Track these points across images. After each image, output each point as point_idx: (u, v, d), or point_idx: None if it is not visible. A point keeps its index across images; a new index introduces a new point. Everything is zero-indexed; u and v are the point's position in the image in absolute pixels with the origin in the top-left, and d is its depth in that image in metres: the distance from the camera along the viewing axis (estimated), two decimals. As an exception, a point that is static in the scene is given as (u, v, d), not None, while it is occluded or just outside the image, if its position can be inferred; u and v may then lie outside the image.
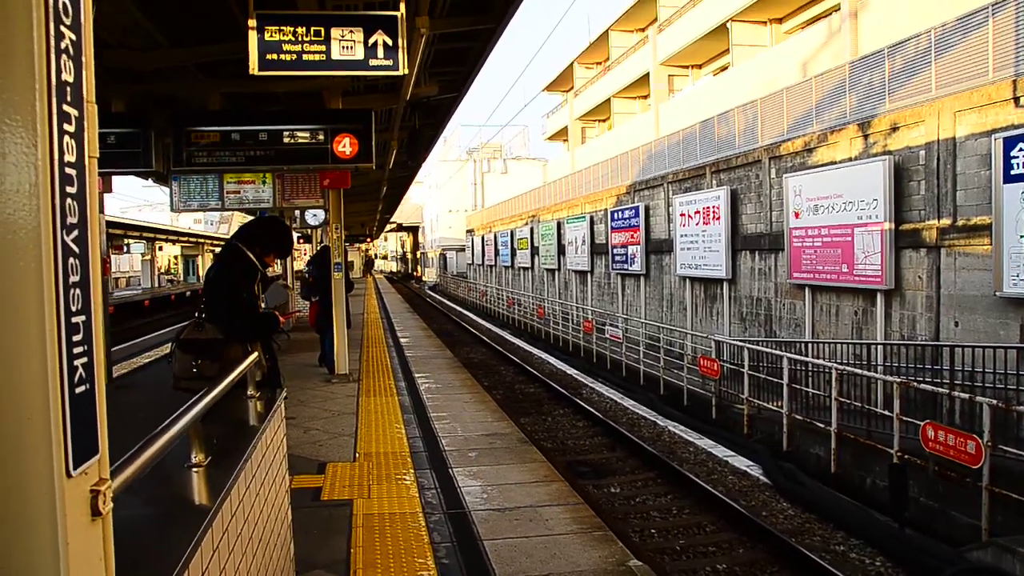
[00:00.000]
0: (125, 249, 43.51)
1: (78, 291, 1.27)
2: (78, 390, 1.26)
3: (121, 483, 1.70)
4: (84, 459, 1.28)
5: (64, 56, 1.23)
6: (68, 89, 1.24)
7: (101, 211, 11.30)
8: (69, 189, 1.24)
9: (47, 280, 1.18)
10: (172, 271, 64.47)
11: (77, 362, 1.26)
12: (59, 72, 1.21)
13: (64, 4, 1.23)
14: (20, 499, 1.21)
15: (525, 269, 38.78)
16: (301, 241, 30.27)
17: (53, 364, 1.20)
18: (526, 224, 38.75)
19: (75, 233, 1.26)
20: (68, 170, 1.23)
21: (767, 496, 9.38)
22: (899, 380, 9.60)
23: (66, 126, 1.23)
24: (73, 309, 1.25)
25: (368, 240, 68.99)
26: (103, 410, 1.35)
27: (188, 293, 42.43)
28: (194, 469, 2.71)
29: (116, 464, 1.70)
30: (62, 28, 1.22)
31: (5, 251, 1.16)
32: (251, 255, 5.05)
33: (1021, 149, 10.24)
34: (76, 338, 1.26)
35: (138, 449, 1.94)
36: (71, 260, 1.24)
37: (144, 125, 9.60)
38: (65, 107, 1.23)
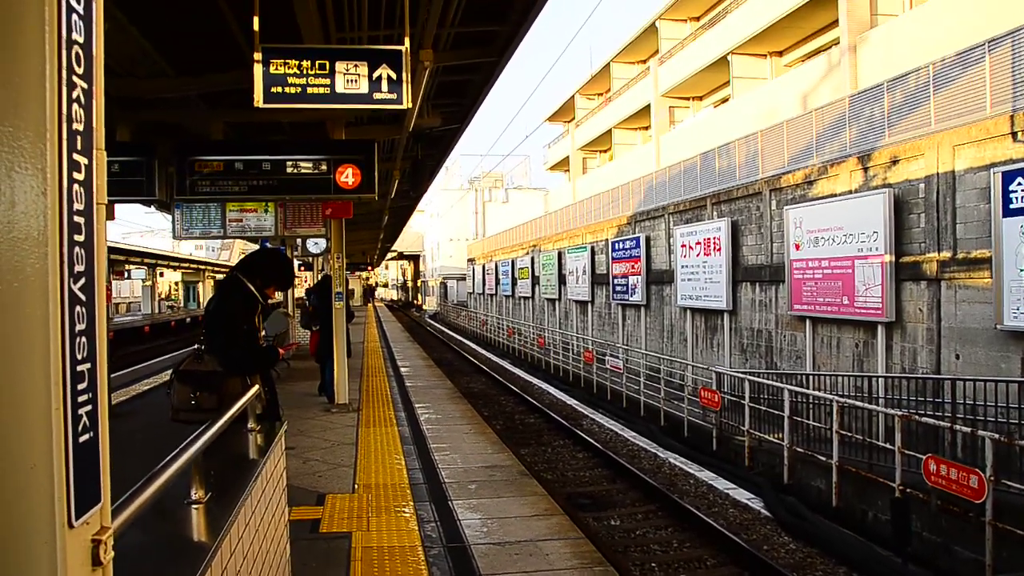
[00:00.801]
0: (126, 275, 43.57)
1: (84, 339, 1.27)
2: (82, 439, 1.26)
3: (121, 523, 1.70)
4: (86, 508, 1.27)
5: (75, 105, 1.24)
6: (79, 138, 1.26)
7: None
8: (77, 237, 1.24)
9: (53, 328, 1.18)
10: (172, 297, 64.49)
11: (81, 410, 1.26)
12: (70, 121, 1.22)
13: (77, 54, 1.24)
14: (21, 549, 1.20)
15: (526, 298, 38.78)
16: (302, 269, 30.29)
17: (58, 412, 1.20)
18: (527, 254, 38.81)
19: (82, 281, 1.26)
20: (76, 218, 1.24)
21: (769, 530, 9.30)
22: (900, 413, 9.56)
23: (75, 174, 1.24)
24: (79, 357, 1.25)
25: (369, 268, 69.06)
26: (106, 458, 1.34)
27: (188, 319, 42.41)
28: (194, 506, 2.69)
29: (116, 504, 1.69)
30: (74, 78, 1.23)
31: (13, 298, 1.16)
32: (252, 287, 5.05)
33: (1020, 183, 10.29)
34: (81, 386, 1.26)
35: (138, 488, 1.93)
36: (78, 308, 1.24)
37: (148, 154, 9.64)
38: (75, 156, 1.24)
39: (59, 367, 1.19)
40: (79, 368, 1.25)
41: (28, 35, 1.17)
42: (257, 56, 6.66)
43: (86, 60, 1.27)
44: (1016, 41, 11.17)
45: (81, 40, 1.26)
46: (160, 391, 10.73)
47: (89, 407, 1.29)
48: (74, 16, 1.23)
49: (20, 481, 1.18)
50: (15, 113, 1.16)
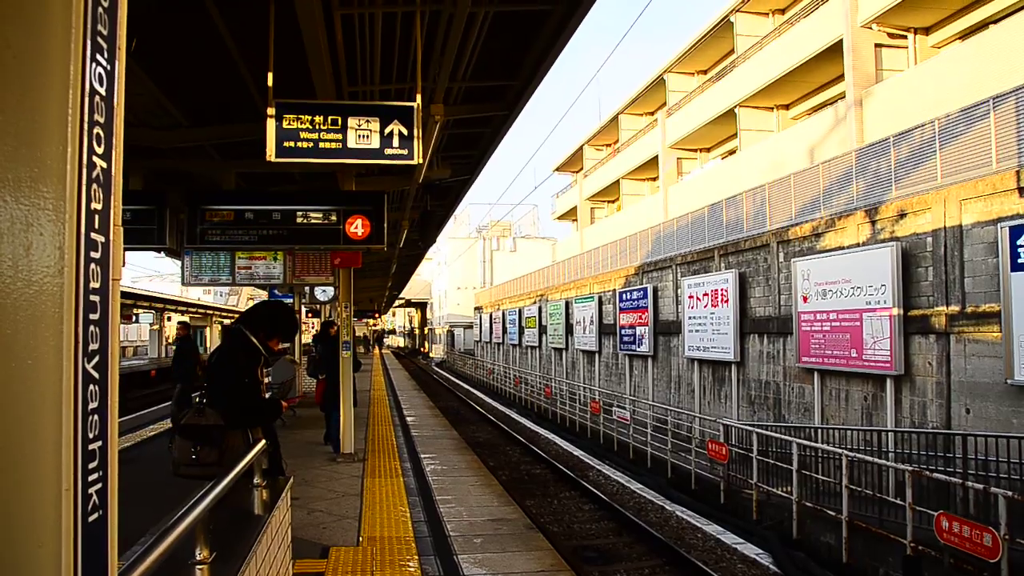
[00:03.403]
0: (134, 319, 43.64)
1: (96, 417, 1.27)
2: (91, 518, 1.26)
3: (125, 591, 1.69)
4: None
5: (95, 185, 1.27)
6: (96, 217, 1.28)
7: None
8: (92, 316, 1.26)
9: (66, 407, 1.19)
10: (180, 342, 64.40)
11: (92, 489, 1.26)
12: (89, 201, 1.25)
13: (98, 135, 1.27)
14: (26, 629, 1.19)
15: (533, 348, 38.70)
16: (309, 316, 30.35)
17: (68, 493, 1.20)
18: (534, 303, 38.83)
19: (96, 359, 1.27)
20: (92, 297, 1.26)
21: (777, 587, 9.16)
22: (911, 468, 9.46)
23: (92, 253, 1.26)
24: (90, 436, 1.25)
25: (376, 315, 69.12)
26: (115, 536, 1.34)
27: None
28: (198, 566, 2.67)
29: (121, 570, 1.68)
30: (95, 159, 1.26)
31: (26, 376, 1.17)
32: (255, 340, 5.05)
33: (1028, 238, 10.31)
34: (92, 465, 1.26)
35: (142, 553, 1.92)
36: (91, 387, 1.25)
37: (160, 202, 9.74)
38: (93, 235, 1.26)
39: (71, 446, 1.20)
40: (91, 447, 1.26)
41: (51, 116, 1.20)
42: (271, 111, 6.76)
43: (107, 140, 1.30)
44: (1020, 98, 11.28)
45: (102, 121, 1.29)
46: (164, 437, 10.70)
47: (99, 485, 1.29)
48: (96, 98, 1.27)
49: (27, 559, 1.18)
50: (35, 192, 1.18)
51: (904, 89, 20.05)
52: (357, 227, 9.23)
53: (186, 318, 59.54)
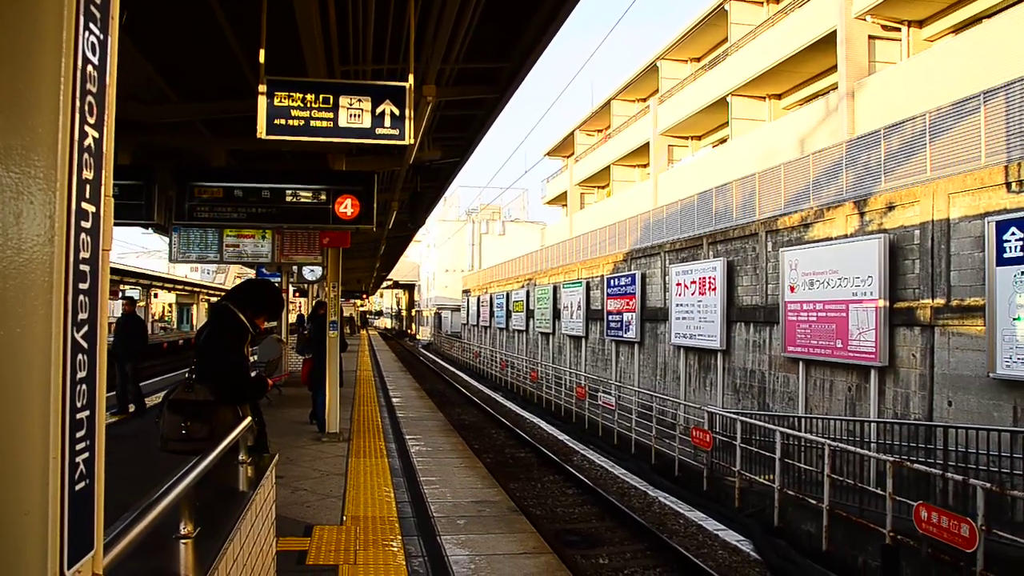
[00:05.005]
0: (120, 295, 43.45)
1: (84, 387, 1.27)
2: (78, 487, 1.26)
3: (110, 562, 1.69)
4: (79, 556, 1.27)
5: (87, 155, 1.26)
6: (88, 187, 1.27)
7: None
8: (82, 285, 1.25)
9: (55, 376, 1.19)
10: (166, 319, 64.21)
11: (79, 458, 1.26)
12: (80, 170, 1.24)
13: (91, 103, 1.26)
14: (12, 597, 1.20)
15: (520, 332, 38.74)
16: (296, 295, 30.27)
17: (55, 461, 1.20)
18: (522, 287, 38.84)
19: (85, 329, 1.27)
20: (82, 267, 1.25)
21: (757, 573, 9.24)
22: (892, 459, 9.55)
23: (83, 223, 1.26)
24: (78, 405, 1.25)
25: (364, 296, 68.98)
26: (101, 504, 1.34)
27: (181, 341, 42.25)
28: (182, 540, 2.67)
29: (106, 540, 1.68)
30: (87, 128, 1.25)
31: (15, 345, 1.16)
32: (242, 317, 5.06)
33: (1014, 233, 10.37)
34: (79, 434, 1.26)
35: (127, 525, 1.92)
36: (80, 356, 1.25)
37: (148, 178, 9.64)
38: (84, 204, 1.26)
39: (59, 415, 1.20)
40: (78, 416, 1.26)
41: (43, 84, 1.19)
42: (262, 88, 6.70)
43: (99, 110, 1.29)
44: (1010, 93, 11.33)
45: (95, 90, 1.28)
46: (151, 413, 10.67)
47: (87, 455, 1.29)
48: (89, 67, 1.26)
49: (14, 527, 1.18)
50: (25, 160, 1.17)
51: (897, 81, 20.08)
52: (346, 207, 9.18)
53: (172, 296, 59.35)
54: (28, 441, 1.18)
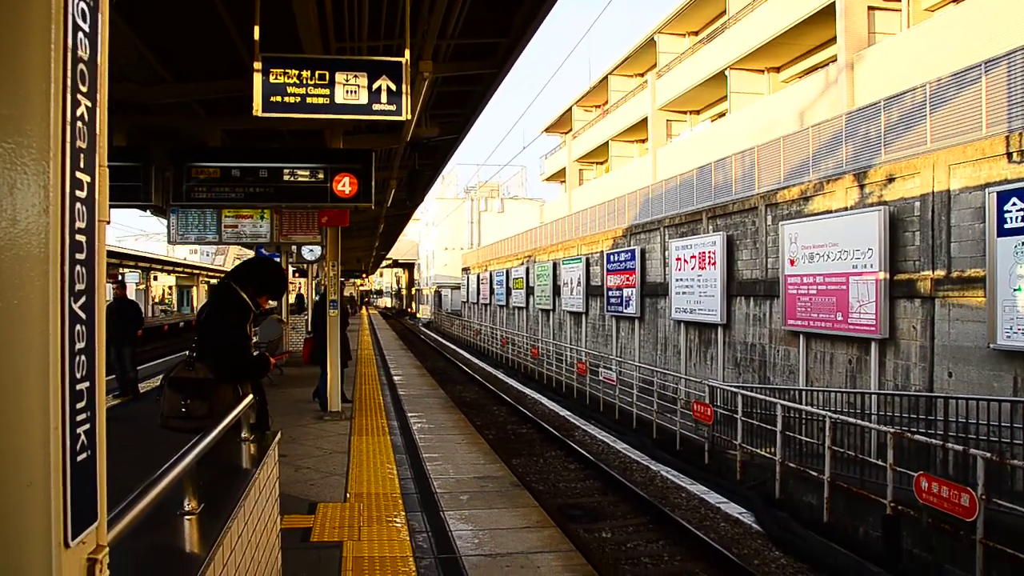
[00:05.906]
0: (119, 278, 43.46)
1: (83, 358, 1.26)
2: (80, 457, 1.25)
3: (115, 537, 1.69)
4: (83, 527, 1.27)
5: (79, 123, 1.24)
6: (82, 156, 1.25)
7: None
8: (79, 256, 1.24)
9: (53, 347, 1.17)
10: (166, 301, 64.27)
11: (80, 429, 1.26)
12: (74, 139, 1.22)
13: (82, 71, 1.24)
14: (16, 568, 1.19)
15: (520, 309, 38.77)
16: (296, 275, 30.26)
17: (56, 432, 1.19)
18: (522, 264, 38.82)
19: (83, 299, 1.26)
20: (78, 236, 1.24)
21: (759, 544, 9.29)
22: (892, 430, 9.57)
23: (78, 192, 1.24)
24: (78, 376, 1.24)
25: (364, 276, 68.97)
26: (103, 476, 1.34)
27: (181, 323, 42.32)
28: (187, 517, 2.67)
29: (110, 516, 1.68)
30: (79, 96, 1.23)
31: (13, 316, 1.16)
32: (244, 295, 5.03)
33: (1014, 203, 10.34)
34: (79, 405, 1.26)
35: (131, 501, 1.92)
36: (78, 327, 1.24)
37: (145, 159, 9.61)
38: (78, 174, 1.24)
39: (58, 386, 1.19)
40: (78, 387, 1.25)
41: (33, 52, 1.17)
42: (257, 65, 6.66)
43: (91, 78, 1.27)
44: (1012, 62, 11.25)
45: (86, 58, 1.26)
46: (152, 395, 10.69)
47: (87, 426, 1.28)
48: (80, 34, 1.24)
49: (16, 499, 1.18)
50: (18, 130, 1.16)
51: (896, 53, 19.95)
52: (344, 185, 9.15)
53: (172, 278, 59.36)
54: (28, 413, 1.18)
